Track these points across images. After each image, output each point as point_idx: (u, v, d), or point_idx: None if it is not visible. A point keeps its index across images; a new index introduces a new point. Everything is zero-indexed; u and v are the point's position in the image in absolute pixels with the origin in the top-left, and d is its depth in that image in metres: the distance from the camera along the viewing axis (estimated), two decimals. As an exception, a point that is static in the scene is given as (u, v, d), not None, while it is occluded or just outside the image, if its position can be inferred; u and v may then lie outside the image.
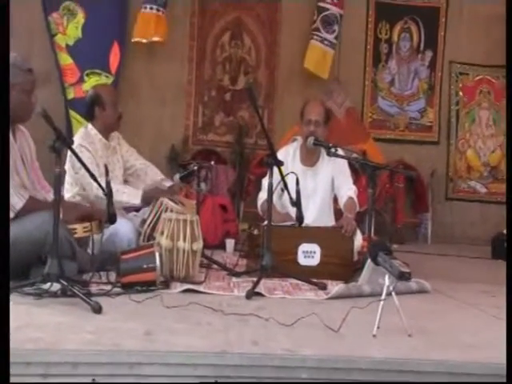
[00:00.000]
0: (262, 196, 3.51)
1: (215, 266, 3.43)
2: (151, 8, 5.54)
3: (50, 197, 3.01)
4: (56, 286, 2.41)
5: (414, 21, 6.33)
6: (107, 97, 3.65)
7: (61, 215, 2.50)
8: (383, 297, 2.15)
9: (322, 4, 5.84)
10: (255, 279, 2.85)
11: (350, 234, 3.43)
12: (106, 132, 3.66)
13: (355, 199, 3.73)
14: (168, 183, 3.64)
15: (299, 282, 3.09)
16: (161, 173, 3.83)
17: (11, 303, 2.31)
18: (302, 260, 3.37)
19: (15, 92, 2.83)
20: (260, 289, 2.79)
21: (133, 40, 5.60)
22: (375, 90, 6.31)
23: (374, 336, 2.10)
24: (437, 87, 6.38)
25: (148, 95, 5.85)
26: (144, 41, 5.60)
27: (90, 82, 5.45)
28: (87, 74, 5.63)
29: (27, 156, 3.02)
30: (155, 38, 5.58)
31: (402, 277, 2.19)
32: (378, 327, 2.12)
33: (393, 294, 2.15)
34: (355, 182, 4.05)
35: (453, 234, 6.20)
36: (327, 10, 5.83)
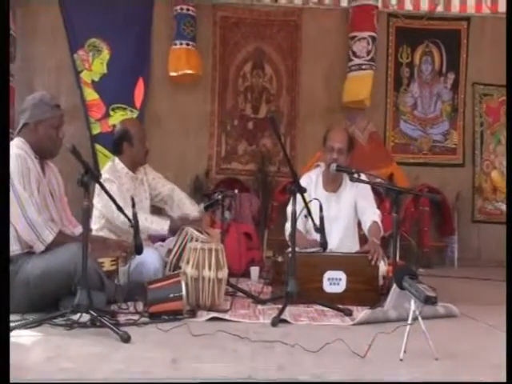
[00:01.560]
0: (289, 227, 3.49)
1: (240, 294, 3.44)
2: (181, 44, 5.72)
3: (77, 232, 3.09)
4: (86, 317, 2.46)
5: (435, 44, 6.36)
6: (136, 133, 3.72)
7: (89, 248, 2.56)
8: (409, 321, 2.14)
9: (351, 34, 5.92)
10: (280, 306, 2.86)
11: (378, 261, 3.40)
12: (133, 166, 3.73)
13: (380, 223, 3.71)
14: (195, 207, 3.69)
15: (324, 308, 3.08)
16: (186, 195, 3.88)
17: (42, 334, 2.37)
18: (328, 287, 3.36)
19: (43, 128, 2.94)
20: (285, 316, 2.80)
21: (170, 74, 5.79)
22: (397, 113, 6.33)
23: (401, 360, 2.09)
24: (460, 109, 6.37)
25: (172, 126, 5.97)
26: (175, 74, 5.77)
27: (116, 117, 5.60)
28: (113, 109, 5.79)
29: (56, 191, 3.11)
30: (188, 71, 5.74)
31: (428, 301, 2.17)
32: (405, 351, 2.10)
33: (419, 318, 2.14)
34: (379, 207, 4.05)
35: (480, 257, 6.11)
36: (355, 37, 5.91)
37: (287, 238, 3.70)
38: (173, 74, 5.79)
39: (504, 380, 1.86)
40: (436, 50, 6.37)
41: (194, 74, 5.79)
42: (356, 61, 5.92)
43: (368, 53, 5.89)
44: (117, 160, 3.73)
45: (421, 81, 6.38)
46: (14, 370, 1.90)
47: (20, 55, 5.61)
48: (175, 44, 5.75)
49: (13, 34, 5.42)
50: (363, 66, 5.92)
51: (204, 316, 2.83)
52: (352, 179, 3.50)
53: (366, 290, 3.34)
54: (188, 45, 5.75)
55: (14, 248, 2.83)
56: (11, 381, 1.78)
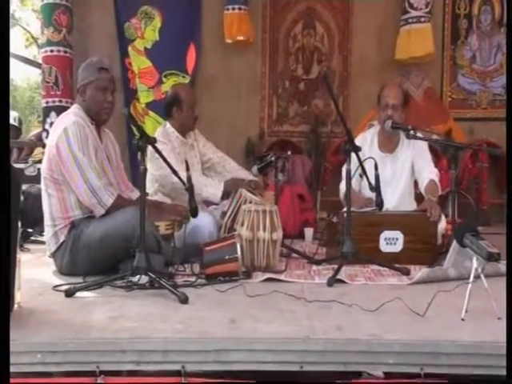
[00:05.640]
0: (343, 187, 3.45)
1: (295, 255, 3.44)
2: (233, 8, 5.64)
3: (134, 196, 3.15)
4: (144, 279, 2.52)
5: (495, -9, 6.02)
6: (186, 98, 3.73)
7: (146, 212, 2.60)
8: (471, 279, 2.08)
9: None
10: (336, 266, 2.84)
11: (435, 218, 3.32)
12: (182, 131, 3.76)
13: (437, 182, 3.61)
14: (247, 175, 3.69)
15: (381, 268, 3.05)
16: (238, 165, 3.89)
17: (104, 296, 2.45)
18: (384, 247, 3.32)
19: (90, 90, 2.98)
20: (341, 276, 2.78)
21: (227, 41, 5.72)
22: (455, 67, 6.06)
23: (463, 320, 2.04)
24: (522, 59, 6.03)
25: (223, 90, 5.94)
26: (230, 41, 5.70)
27: (169, 83, 5.61)
28: (165, 76, 5.81)
29: (112, 157, 3.16)
30: (240, 38, 5.68)
31: (491, 258, 2.10)
32: (467, 311, 2.05)
33: (481, 276, 2.08)
34: (436, 165, 3.92)
35: (542, 213, 5.85)
36: None
37: (342, 197, 3.66)
38: (228, 40, 5.72)
39: None
40: (496, -3, 6.02)
41: (245, 40, 5.71)
42: (413, 13, 5.62)
43: (427, 4, 5.60)
44: (168, 125, 3.77)
45: (480, 32, 6.07)
46: (80, 328, 1.98)
47: (76, 26, 5.67)
48: (227, 9, 5.66)
49: (69, 5, 5.47)
50: (422, 19, 5.63)
51: (259, 277, 2.85)
52: (408, 136, 3.40)
53: (424, 250, 3.27)
54: (240, 9, 5.65)
55: (76, 213, 2.92)
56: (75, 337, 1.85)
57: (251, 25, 5.73)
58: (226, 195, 3.51)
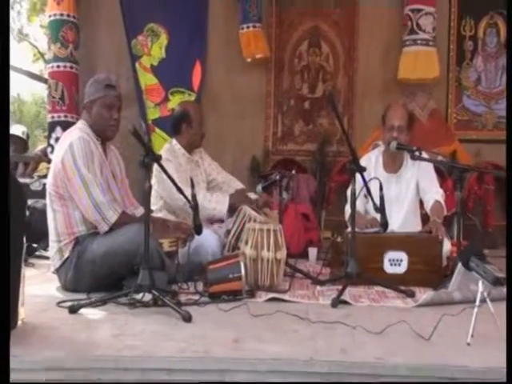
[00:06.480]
0: (349, 209, 3.42)
1: (299, 275, 3.42)
2: (248, 27, 5.68)
3: (138, 213, 3.15)
4: (148, 296, 2.51)
5: (500, 14, 6.05)
6: (195, 115, 3.77)
7: (150, 229, 2.60)
8: (477, 303, 2.07)
9: (413, 6, 5.66)
10: (340, 287, 2.82)
11: (440, 239, 3.31)
12: (189, 148, 3.78)
13: (442, 203, 3.61)
14: (251, 196, 3.70)
15: (386, 289, 3.03)
16: (242, 185, 3.90)
17: (108, 313, 2.44)
18: (388, 268, 3.30)
19: (96, 107, 2.99)
20: (345, 296, 2.77)
21: (248, 60, 5.76)
22: (460, 89, 6.08)
23: (469, 344, 2.02)
24: (527, 82, 6.05)
25: (228, 108, 5.96)
26: (249, 60, 5.74)
27: (175, 101, 5.65)
28: (171, 93, 5.84)
29: (117, 173, 3.17)
30: (258, 55, 5.72)
31: (497, 282, 2.10)
32: (472, 335, 2.04)
33: (487, 300, 2.07)
34: (441, 185, 3.92)
35: (549, 237, 5.83)
36: (421, 10, 5.64)
37: (347, 219, 3.65)
38: (248, 59, 5.75)
39: None
40: (501, 20, 6.06)
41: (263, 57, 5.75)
42: (422, 35, 5.64)
43: (433, 29, 5.64)
44: (174, 141, 3.79)
45: (485, 54, 6.10)
46: (83, 345, 1.97)
47: (83, 42, 5.73)
48: (242, 28, 5.70)
49: (76, 21, 5.54)
50: (430, 43, 5.65)
51: (263, 296, 2.83)
52: (413, 157, 3.40)
53: (429, 271, 3.25)
54: (255, 27, 5.69)
55: (80, 229, 2.92)
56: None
57: (266, 41, 5.76)
58: (231, 211, 3.51)
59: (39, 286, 3.01)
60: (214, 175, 3.88)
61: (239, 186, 3.86)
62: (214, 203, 3.52)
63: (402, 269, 3.29)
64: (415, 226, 3.71)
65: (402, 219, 3.69)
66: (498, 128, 6.04)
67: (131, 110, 5.43)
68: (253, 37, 5.67)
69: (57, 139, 5.19)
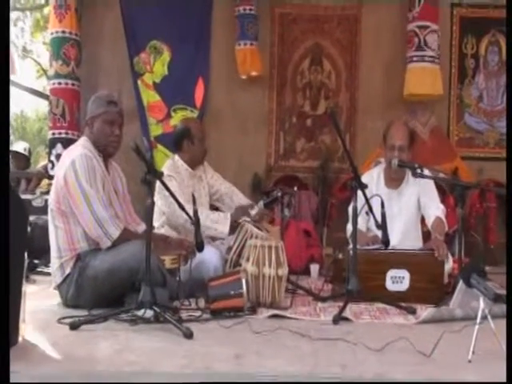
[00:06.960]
0: (351, 227, 3.41)
1: (301, 292, 3.42)
2: (245, 44, 5.73)
3: (140, 229, 3.16)
4: (149, 313, 2.51)
5: (502, 33, 6.10)
6: (196, 132, 3.79)
7: (152, 245, 2.60)
8: (478, 320, 2.07)
9: (421, 23, 5.69)
10: (341, 304, 2.82)
11: (442, 257, 3.31)
12: (192, 164, 3.79)
13: (444, 219, 3.61)
14: (253, 209, 3.70)
15: (387, 306, 3.03)
16: (244, 196, 3.91)
17: (109, 329, 2.44)
18: (390, 285, 3.30)
19: (97, 123, 3.02)
20: (347, 313, 2.76)
21: (242, 77, 5.80)
22: (461, 106, 6.11)
23: (470, 361, 2.02)
24: (529, 100, 6.07)
25: (230, 125, 6.00)
26: (244, 77, 5.79)
27: (177, 118, 5.69)
28: (174, 110, 5.88)
29: (119, 189, 3.19)
30: (253, 73, 5.77)
31: (498, 299, 2.09)
32: (473, 352, 2.03)
33: (488, 317, 2.06)
34: (443, 202, 3.93)
35: (551, 254, 5.81)
36: (428, 27, 5.67)
37: (348, 237, 3.65)
38: (243, 76, 5.81)
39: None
40: (503, 38, 6.10)
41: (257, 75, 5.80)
42: (429, 52, 5.67)
43: (438, 47, 5.67)
44: (176, 157, 3.81)
45: (487, 72, 6.13)
46: (84, 361, 1.97)
47: (85, 59, 5.78)
48: (239, 44, 5.75)
49: (78, 39, 5.60)
50: (436, 60, 5.69)
51: (264, 313, 2.83)
52: (415, 174, 3.42)
53: (431, 289, 3.25)
54: (252, 44, 5.75)
55: (82, 245, 2.93)
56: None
57: (261, 59, 5.81)
58: (232, 229, 3.51)
59: (40, 302, 3.01)
60: (217, 186, 3.90)
61: (242, 199, 3.86)
62: (216, 223, 3.52)
63: (403, 286, 3.29)
64: (415, 242, 3.72)
65: (401, 234, 3.69)
66: (500, 146, 6.05)
67: (133, 127, 5.47)
68: (249, 54, 5.72)
69: (57, 156, 5.22)
